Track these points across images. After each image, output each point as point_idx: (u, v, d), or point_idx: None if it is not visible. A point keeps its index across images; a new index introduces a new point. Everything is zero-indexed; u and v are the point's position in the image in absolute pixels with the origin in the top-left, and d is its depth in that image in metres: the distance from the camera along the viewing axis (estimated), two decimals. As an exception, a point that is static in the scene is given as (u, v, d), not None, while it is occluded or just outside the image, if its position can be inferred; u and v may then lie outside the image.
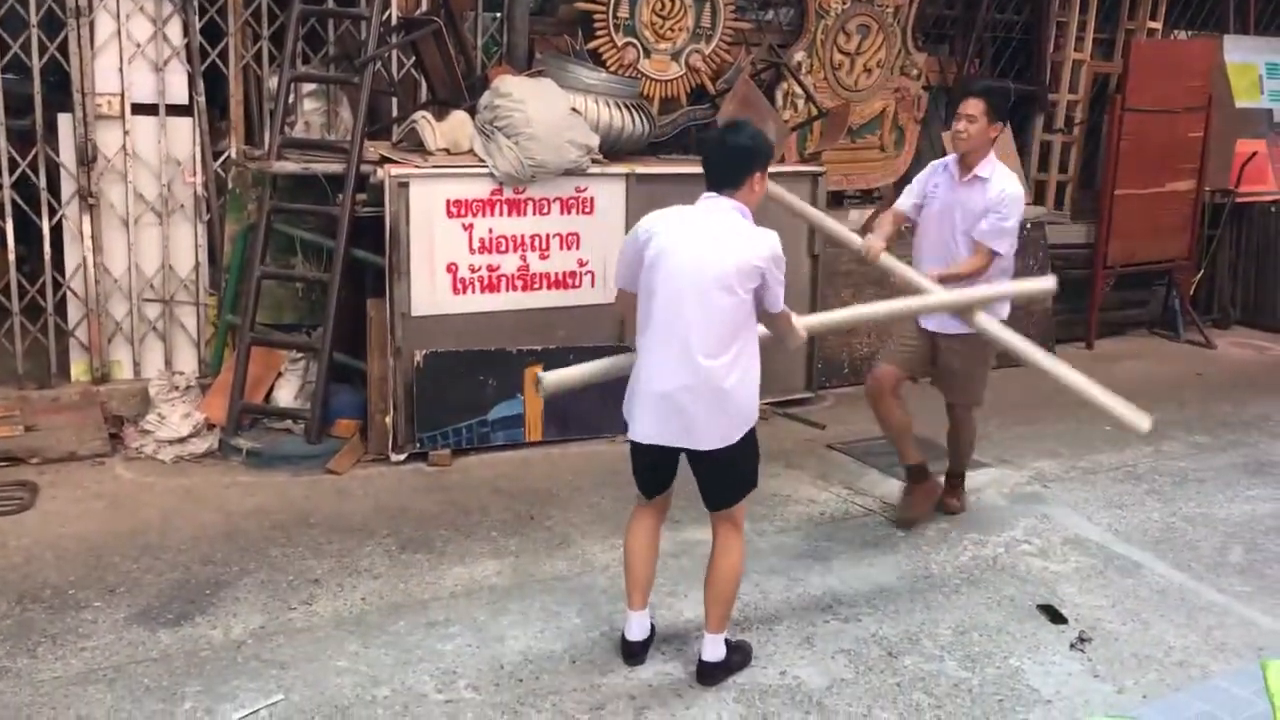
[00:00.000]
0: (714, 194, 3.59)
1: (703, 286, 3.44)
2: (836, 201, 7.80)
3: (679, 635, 4.03)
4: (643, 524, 3.79)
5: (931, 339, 4.87)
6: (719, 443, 3.54)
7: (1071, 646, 4.07)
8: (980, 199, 4.67)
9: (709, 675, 3.72)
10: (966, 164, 4.73)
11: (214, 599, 4.16)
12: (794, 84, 7.40)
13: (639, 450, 3.66)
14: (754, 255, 3.46)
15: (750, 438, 3.65)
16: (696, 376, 3.46)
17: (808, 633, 4.07)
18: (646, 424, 3.56)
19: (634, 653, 3.81)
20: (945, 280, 4.58)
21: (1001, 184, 4.68)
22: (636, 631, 3.81)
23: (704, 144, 3.65)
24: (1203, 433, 6.69)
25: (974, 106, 4.64)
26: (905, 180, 7.87)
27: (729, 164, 3.60)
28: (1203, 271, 9.59)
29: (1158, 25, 9.20)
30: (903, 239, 5.28)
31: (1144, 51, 8.68)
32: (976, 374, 4.94)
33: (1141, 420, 4.26)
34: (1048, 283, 4.97)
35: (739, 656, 3.82)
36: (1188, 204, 9.08)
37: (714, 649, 3.73)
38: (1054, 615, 4.29)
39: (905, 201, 5.00)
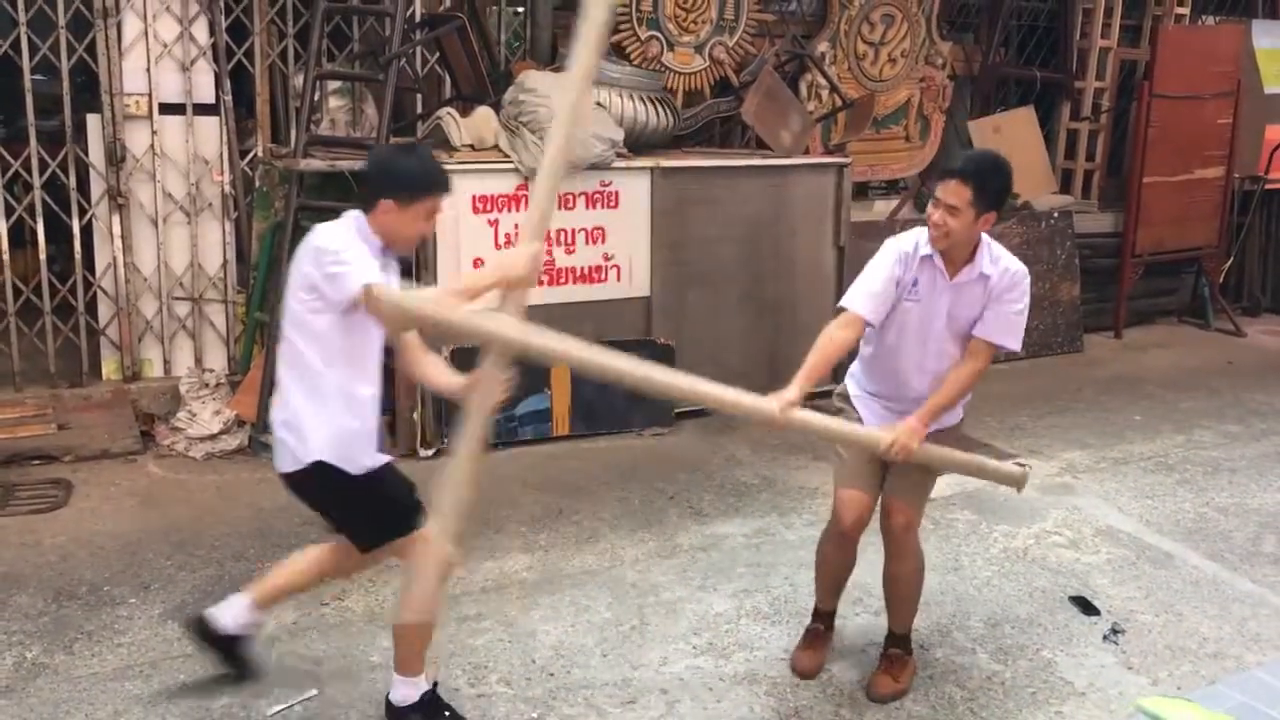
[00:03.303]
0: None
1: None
2: (861, 192, 7.78)
3: (710, 628, 4.03)
4: None
5: None
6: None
7: (1104, 638, 4.05)
8: (981, 292, 3.51)
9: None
10: (952, 260, 3.50)
11: (247, 595, 4.19)
12: (818, 75, 7.37)
13: None
14: (307, 257, 3.09)
15: (316, 474, 3.20)
16: None
17: (838, 626, 4.05)
18: None
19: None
20: (935, 413, 3.49)
21: (1008, 264, 3.52)
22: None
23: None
24: (1234, 422, 6.63)
25: (955, 194, 3.37)
26: (930, 171, 7.90)
27: (367, 178, 3.26)
28: (1232, 259, 9.49)
29: (1185, 11, 9.10)
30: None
31: (1171, 37, 8.59)
32: (933, 476, 3.74)
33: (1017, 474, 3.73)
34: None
35: None
36: (1217, 191, 9.00)
37: None
38: (1086, 607, 4.27)
39: (866, 305, 3.52)
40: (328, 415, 3.14)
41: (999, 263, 3.51)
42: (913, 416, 3.44)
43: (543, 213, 3.21)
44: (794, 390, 3.31)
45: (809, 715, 3.54)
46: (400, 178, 3.12)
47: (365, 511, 3.29)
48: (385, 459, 3.32)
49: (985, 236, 3.53)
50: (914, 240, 3.56)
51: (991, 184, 3.38)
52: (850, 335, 3.54)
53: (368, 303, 2.99)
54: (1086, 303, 8.37)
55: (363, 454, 3.22)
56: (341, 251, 3.02)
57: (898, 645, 3.77)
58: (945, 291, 3.51)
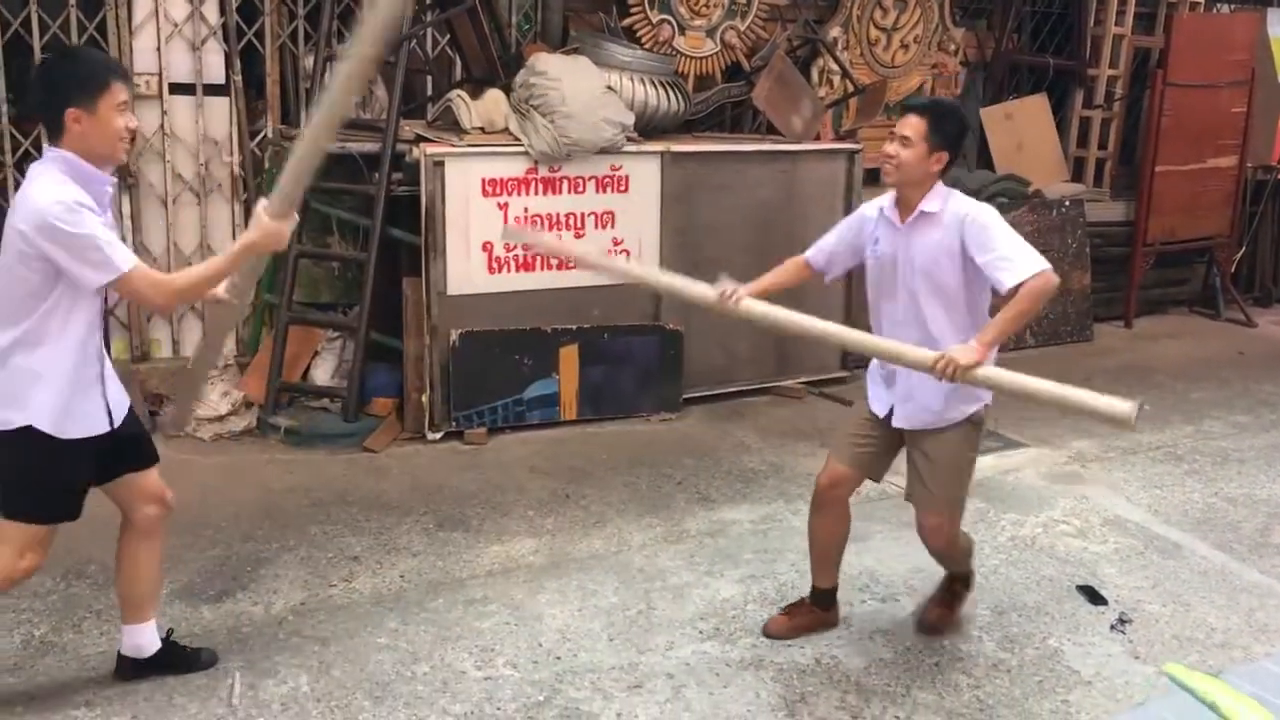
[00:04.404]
0: (47, 146, 3.04)
1: None
2: (872, 179, 7.73)
3: (717, 614, 4.03)
4: None
5: (895, 435, 3.73)
6: None
7: (1111, 628, 4.05)
8: (937, 236, 3.49)
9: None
10: (905, 201, 3.56)
11: (255, 575, 4.20)
12: (830, 60, 7.34)
13: None
14: (22, 219, 2.92)
15: (15, 439, 3.06)
16: None
17: (845, 613, 4.05)
18: None
19: None
20: (993, 341, 3.38)
21: (958, 207, 3.49)
22: None
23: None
24: (1244, 412, 6.61)
25: (910, 126, 3.45)
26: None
27: (41, 105, 3.04)
28: (1244, 249, 9.46)
29: (1200, -2, 9.07)
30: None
31: (1186, 25, 8.54)
32: (956, 478, 3.67)
33: (1123, 408, 3.24)
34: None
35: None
36: (1229, 180, 8.95)
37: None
38: (1093, 596, 4.26)
39: (814, 249, 3.84)
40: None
41: (953, 206, 3.49)
42: (974, 338, 3.37)
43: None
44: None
45: (814, 701, 3.54)
46: (72, 78, 2.96)
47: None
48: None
49: (945, 188, 3.54)
50: (879, 203, 3.69)
51: (946, 123, 3.47)
52: (789, 274, 3.83)
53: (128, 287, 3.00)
54: (1097, 292, 8.34)
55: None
56: (87, 233, 2.90)
57: (962, 582, 3.98)
58: (901, 237, 3.56)
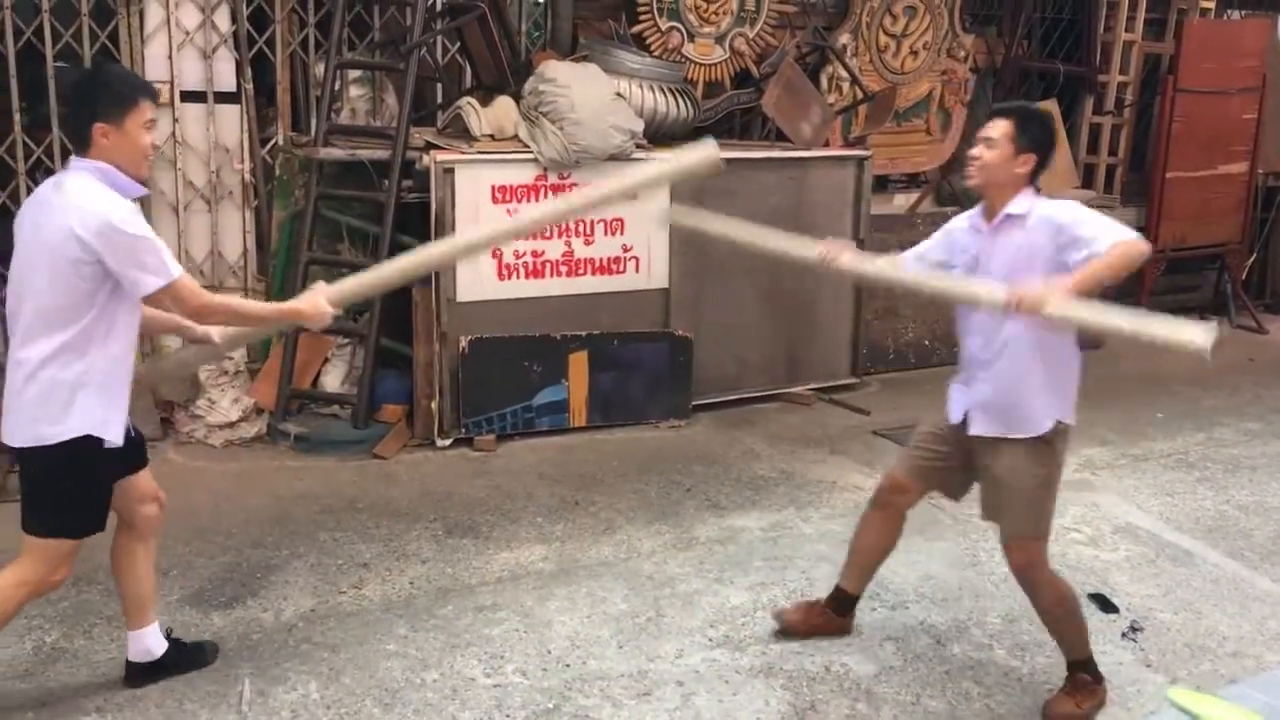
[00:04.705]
0: (75, 157, 3.09)
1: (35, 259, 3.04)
2: (881, 186, 7.74)
3: (726, 621, 4.03)
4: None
5: (967, 444, 3.55)
6: (22, 440, 3.08)
7: (1123, 636, 4.03)
8: (1021, 238, 3.37)
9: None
10: (990, 204, 3.45)
11: (265, 582, 4.21)
12: (839, 67, 7.34)
13: None
14: (80, 224, 2.93)
15: (58, 453, 3.04)
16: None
17: (855, 620, 4.04)
18: None
19: None
20: (1086, 284, 3.25)
21: (1044, 210, 3.37)
22: None
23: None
24: (1255, 419, 6.58)
25: (996, 128, 3.39)
26: (952, 165, 7.87)
27: (69, 118, 3.18)
28: (1255, 255, 9.43)
29: (1210, 4, 9.02)
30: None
31: (1197, 32, 8.53)
32: (1033, 493, 3.44)
33: (1199, 339, 3.12)
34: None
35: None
36: (1240, 187, 8.93)
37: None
38: (1105, 604, 4.24)
39: (912, 255, 3.72)
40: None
41: (1040, 209, 3.37)
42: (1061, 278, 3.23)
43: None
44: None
45: (824, 708, 3.53)
46: (102, 94, 3.02)
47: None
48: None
49: (1034, 193, 3.42)
50: (966, 215, 3.61)
51: (1032, 125, 3.39)
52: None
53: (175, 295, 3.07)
54: (1107, 298, 8.30)
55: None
56: (147, 236, 3.00)
57: (1082, 670, 3.58)
58: (986, 240, 3.45)
